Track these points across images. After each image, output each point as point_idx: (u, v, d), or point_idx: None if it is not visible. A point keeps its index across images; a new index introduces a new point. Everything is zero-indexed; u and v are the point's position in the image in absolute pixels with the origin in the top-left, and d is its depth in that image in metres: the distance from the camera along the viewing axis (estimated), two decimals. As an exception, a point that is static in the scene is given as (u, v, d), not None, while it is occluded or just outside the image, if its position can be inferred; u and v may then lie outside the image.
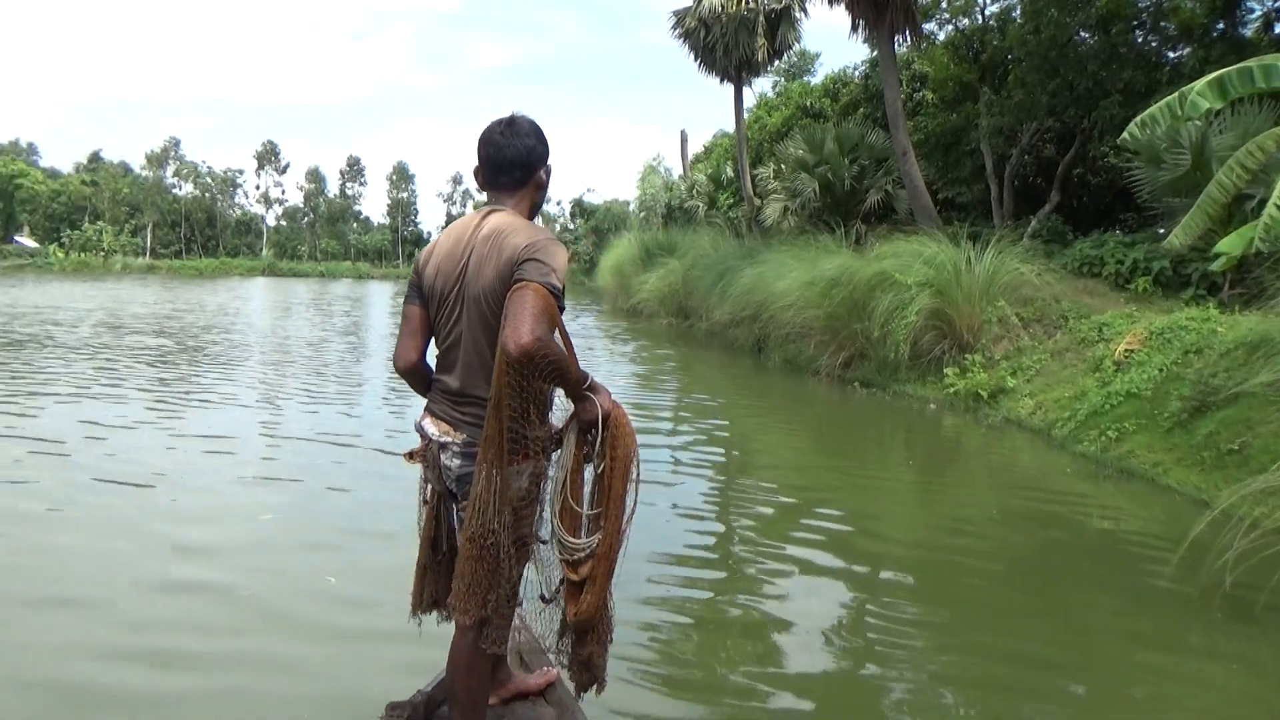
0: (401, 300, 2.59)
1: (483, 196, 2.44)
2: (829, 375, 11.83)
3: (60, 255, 62.20)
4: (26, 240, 67.32)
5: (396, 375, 2.48)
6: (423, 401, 2.51)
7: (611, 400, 2.34)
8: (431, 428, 2.38)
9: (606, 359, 15.35)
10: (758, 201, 22.75)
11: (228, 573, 4.54)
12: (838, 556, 5.19)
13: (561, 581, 2.39)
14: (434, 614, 2.67)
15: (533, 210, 2.40)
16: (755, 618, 4.29)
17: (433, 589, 2.61)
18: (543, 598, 2.48)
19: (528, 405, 2.14)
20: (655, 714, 3.33)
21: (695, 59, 24.36)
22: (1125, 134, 7.21)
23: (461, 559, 2.24)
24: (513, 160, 2.33)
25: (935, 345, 10.41)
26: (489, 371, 2.19)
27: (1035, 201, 16.11)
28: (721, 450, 8.53)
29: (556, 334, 2.17)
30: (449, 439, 2.32)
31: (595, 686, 2.45)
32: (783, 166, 20.93)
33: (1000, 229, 13.69)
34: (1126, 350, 8.34)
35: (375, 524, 5.36)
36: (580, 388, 2.26)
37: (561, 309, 2.17)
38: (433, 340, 2.42)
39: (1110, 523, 6.07)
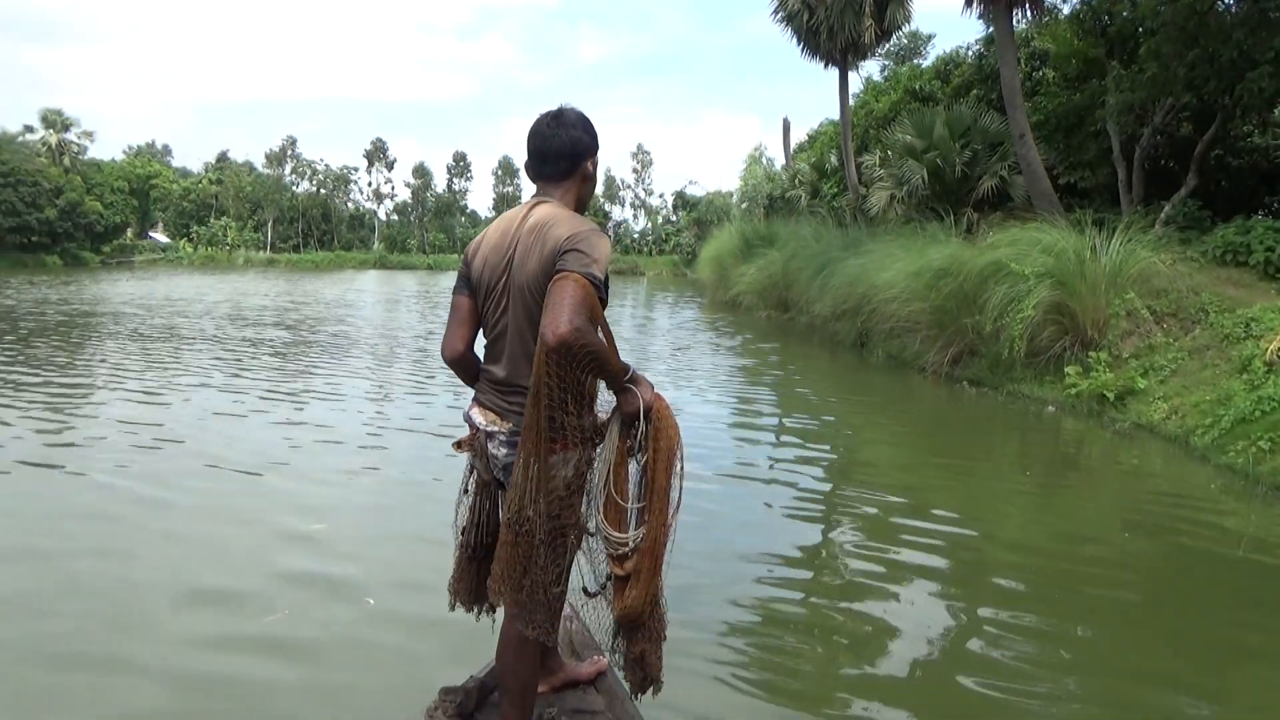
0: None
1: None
2: (935, 373, 11.09)
3: (189, 250, 65.91)
4: (160, 236, 71.41)
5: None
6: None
7: (654, 392, 2.31)
8: (479, 417, 2.40)
9: (707, 352, 14.91)
10: (862, 190, 21.84)
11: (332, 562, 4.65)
12: (946, 561, 4.92)
13: (609, 576, 2.38)
14: (474, 609, 2.69)
15: (580, 203, 2.41)
16: (856, 623, 4.06)
17: (470, 581, 2.63)
18: (585, 590, 2.47)
19: (567, 395, 2.12)
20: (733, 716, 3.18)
21: (798, 43, 23.50)
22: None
23: (500, 544, 2.27)
24: (558, 151, 2.34)
25: (1055, 342, 9.58)
26: (533, 360, 2.17)
27: (1167, 186, 14.82)
28: (823, 448, 8.08)
29: (599, 326, 2.13)
30: (496, 428, 2.35)
31: (652, 688, 2.40)
32: (889, 153, 20.01)
33: (1129, 215, 12.63)
34: (1280, 349, 7.42)
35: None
36: (621, 379, 2.24)
37: (604, 301, 2.15)
38: (480, 331, 2.45)
39: (1263, 550, 5.29)
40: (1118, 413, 8.46)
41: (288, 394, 9.66)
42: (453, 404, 9.04)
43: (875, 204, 19.38)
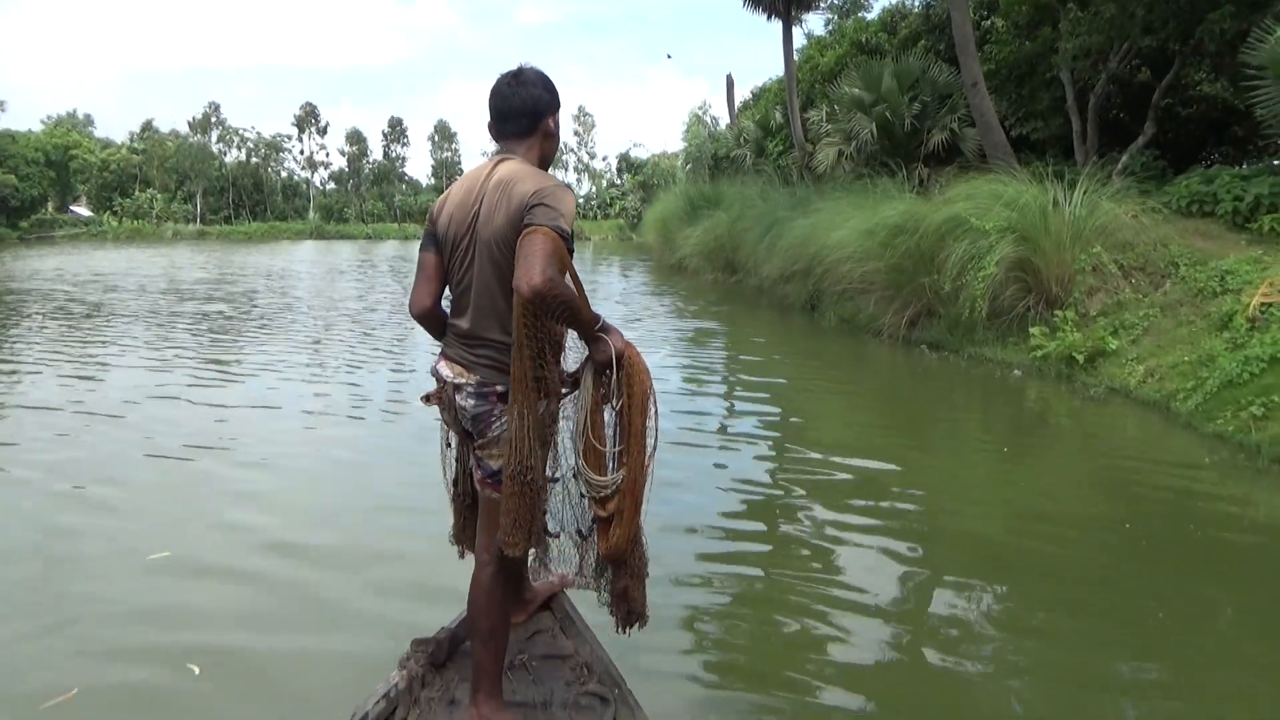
0: None
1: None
2: (892, 336, 10.46)
3: (114, 223, 63.14)
4: (82, 210, 68.29)
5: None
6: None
7: (624, 340, 2.36)
8: (446, 370, 2.43)
9: (648, 318, 14.12)
10: (809, 147, 21.12)
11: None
12: (901, 536, 4.63)
13: (594, 519, 2.46)
14: (466, 550, 2.75)
15: (544, 159, 2.45)
16: (809, 598, 3.86)
17: (457, 524, 2.74)
18: (579, 533, 2.58)
19: (543, 346, 2.19)
20: (697, 701, 3.06)
21: (740, -6, 22.63)
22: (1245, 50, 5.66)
23: (506, 496, 2.26)
24: (518, 109, 2.39)
25: (1018, 301, 8.98)
26: (500, 314, 2.28)
27: (1119, 137, 14.37)
28: (774, 418, 7.54)
29: (568, 276, 2.17)
30: (463, 380, 2.38)
31: (638, 622, 2.49)
32: (836, 108, 19.28)
33: (1085, 167, 12.11)
34: (1263, 304, 6.87)
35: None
36: (593, 328, 2.29)
37: (571, 251, 2.20)
38: (447, 286, 2.48)
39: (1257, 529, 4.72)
40: (1088, 376, 7.88)
41: (238, 371, 9.27)
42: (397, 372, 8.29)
43: (823, 161, 18.65)
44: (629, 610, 2.46)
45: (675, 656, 3.33)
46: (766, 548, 4.58)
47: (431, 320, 2.51)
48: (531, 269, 2.03)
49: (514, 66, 2.44)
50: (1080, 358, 7.96)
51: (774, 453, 6.42)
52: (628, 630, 2.50)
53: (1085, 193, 9.13)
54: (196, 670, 3.10)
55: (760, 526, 4.92)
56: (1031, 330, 8.64)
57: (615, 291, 19.78)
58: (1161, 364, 7.31)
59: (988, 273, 8.64)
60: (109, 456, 5.88)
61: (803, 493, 5.44)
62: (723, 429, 7.07)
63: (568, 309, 2.13)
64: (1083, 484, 5.74)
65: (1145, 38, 12.16)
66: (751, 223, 17.21)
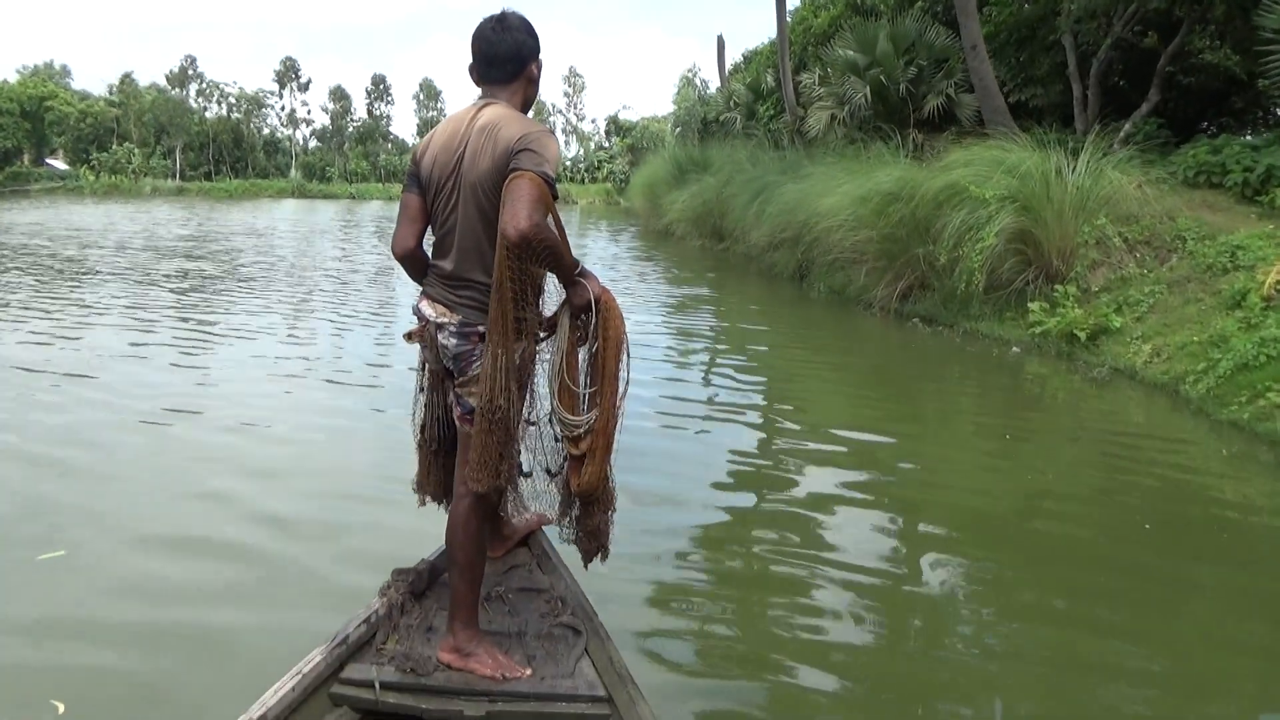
0: None
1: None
2: (884, 308, 10.03)
3: (91, 178, 61.66)
4: (58, 163, 66.73)
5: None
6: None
7: (601, 285, 2.43)
8: (428, 309, 2.45)
9: (634, 284, 13.63)
10: (800, 111, 20.53)
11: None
12: (889, 510, 4.57)
13: (566, 457, 2.53)
14: (443, 503, 2.80)
15: (526, 104, 2.48)
16: (790, 570, 3.76)
17: (438, 475, 2.77)
18: (549, 471, 2.63)
19: (525, 288, 2.23)
20: (682, 683, 2.98)
21: (733, -50, 21.85)
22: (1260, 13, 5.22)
23: (475, 434, 2.30)
24: (504, 55, 2.41)
25: (1017, 275, 8.56)
26: (483, 256, 2.32)
27: (1119, 105, 13.90)
28: (760, 391, 7.26)
29: (551, 221, 2.21)
30: (445, 319, 2.40)
31: (601, 555, 2.61)
32: (829, 71, 18.66)
33: (1087, 135, 11.66)
34: (1279, 283, 6.47)
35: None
36: (573, 273, 2.36)
37: (555, 197, 2.22)
38: (429, 228, 2.51)
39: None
40: (1091, 355, 7.49)
41: (219, 331, 8.96)
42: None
43: (814, 125, 18.07)
44: (598, 545, 2.57)
45: (658, 636, 3.27)
46: (749, 520, 4.42)
47: (414, 261, 2.54)
48: (518, 213, 2.08)
49: (497, 10, 2.45)
50: (1082, 335, 7.57)
51: (760, 426, 6.17)
52: (590, 563, 2.63)
53: (1089, 161, 8.66)
54: (60, 708, 2.65)
55: (744, 500, 4.72)
56: (1030, 305, 8.23)
57: (605, 257, 19.27)
58: (1169, 344, 6.92)
59: (986, 244, 8.21)
60: (81, 421, 5.57)
61: (789, 466, 5.23)
62: (709, 400, 6.80)
63: (551, 253, 2.19)
64: (1084, 466, 5.41)
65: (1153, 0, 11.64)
66: (740, 188, 16.71)
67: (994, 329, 8.61)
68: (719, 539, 4.17)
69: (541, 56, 2.50)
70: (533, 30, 2.44)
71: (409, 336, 2.58)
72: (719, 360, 8.48)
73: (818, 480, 4.92)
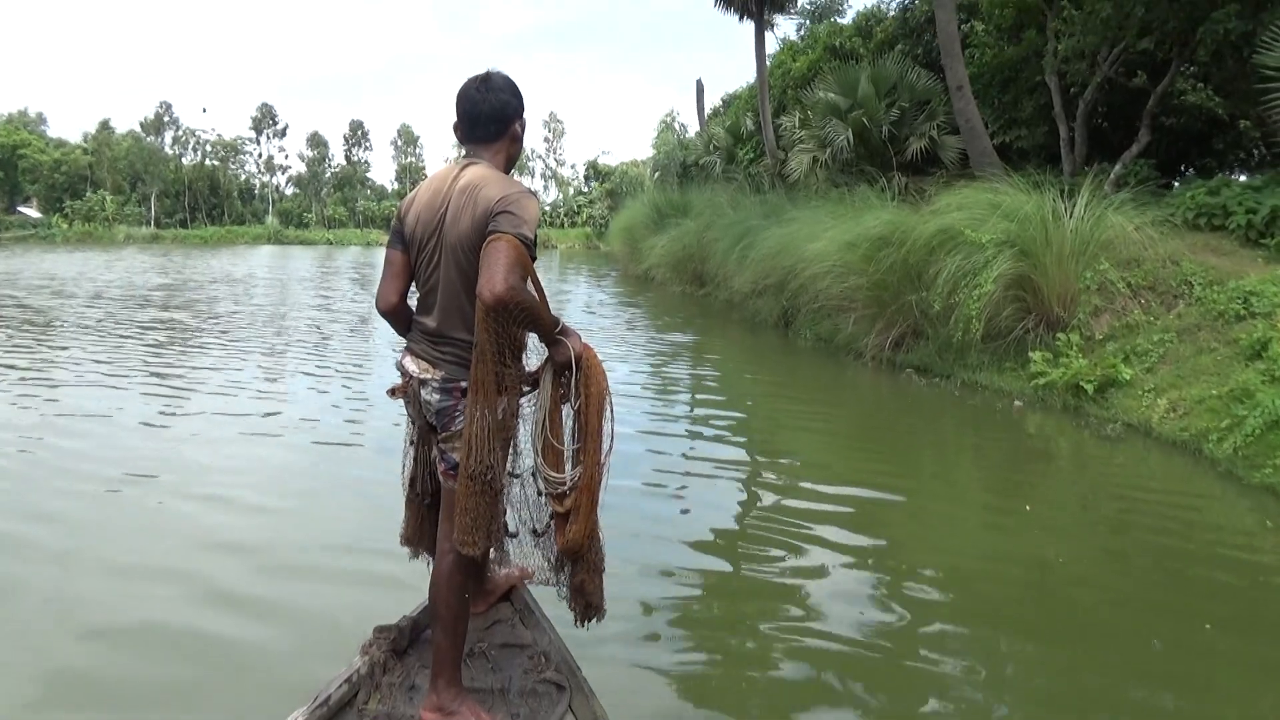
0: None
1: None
2: (875, 358, 9.55)
3: (64, 225, 60.92)
4: (32, 211, 65.95)
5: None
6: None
7: (582, 342, 2.48)
8: (412, 365, 2.49)
9: (622, 331, 13.10)
10: (781, 154, 20.29)
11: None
12: (880, 573, 4.25)
13: (551, 516, 2.55)
14: (408, 550, 2.82)
15: (509, 162, 2.52)
16: (784, 647, 3.47)
17: (430, 528, 2.72)
18: (535, 531, 2.65)
19: (504, 349, 2.25)
20: (654, 691, 3.06)
21: (711, -6, 21.78)
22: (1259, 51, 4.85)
23: (462, 495, 2.31)
24: (488, 114, 2.45)
25: (1017, 322, 8.10)
26: (464, 314, 2.35)
27: (1106, 146, 13.67)
28: (745, 447, 6.78)
29: (530, 283, 2.25)
30: (428, 375, 2.43)
31: (595, 615, 2.57)
32: (810, 114, 18.44)
33: (1075, 176, 11.36)
34: (1304, 331, 6.03)
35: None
36: (553, 332, 2.40)
37: (533, 258, 2.27)
38: (413, 284, 2.54)
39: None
40: (1100, 409, 7.01)
41: (192, 385, 8.36)
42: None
43: (796, 168, 17.78)
44: (587, 604, 2.55)
45: (633, 649, 3.36)
46: (732, 584, 4.15)
47: (397, 316, 2.58)
48: (494, 277, 2.10)
49: (482, 71, 2.49)
50: (1089, 387, 7.09)
51: (747, 481, 5.85)
52: (586, 624, 2.60)
53: (1092, 202, 8.27)
54: None
55: (724, 563, 4.37)
56: (1032, 355, 7.76)
57: (589, 303, 18.79)
58: (1185, 397, 6.45)
59: (985, 290, 7.76)
60: (29, 488, 5.16)
61: (775, 524, 4.83)
62: (691, 454, 6.35)
63: (529, 315, 2.22)
64: (1098, 529, 4.94)
65: (1142, 39, 11.41)
66: (721, 232, 16.32)
67: (994, 380, 8.12)
68: (704, 600, 3.97)
69: (525, 115, 2.54)
70: (517, 90, 2.49)
71: (393, 392, 2.66)
72: (702, 411, 7.94)
73: (808, 541, 4.58)
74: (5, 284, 20.34)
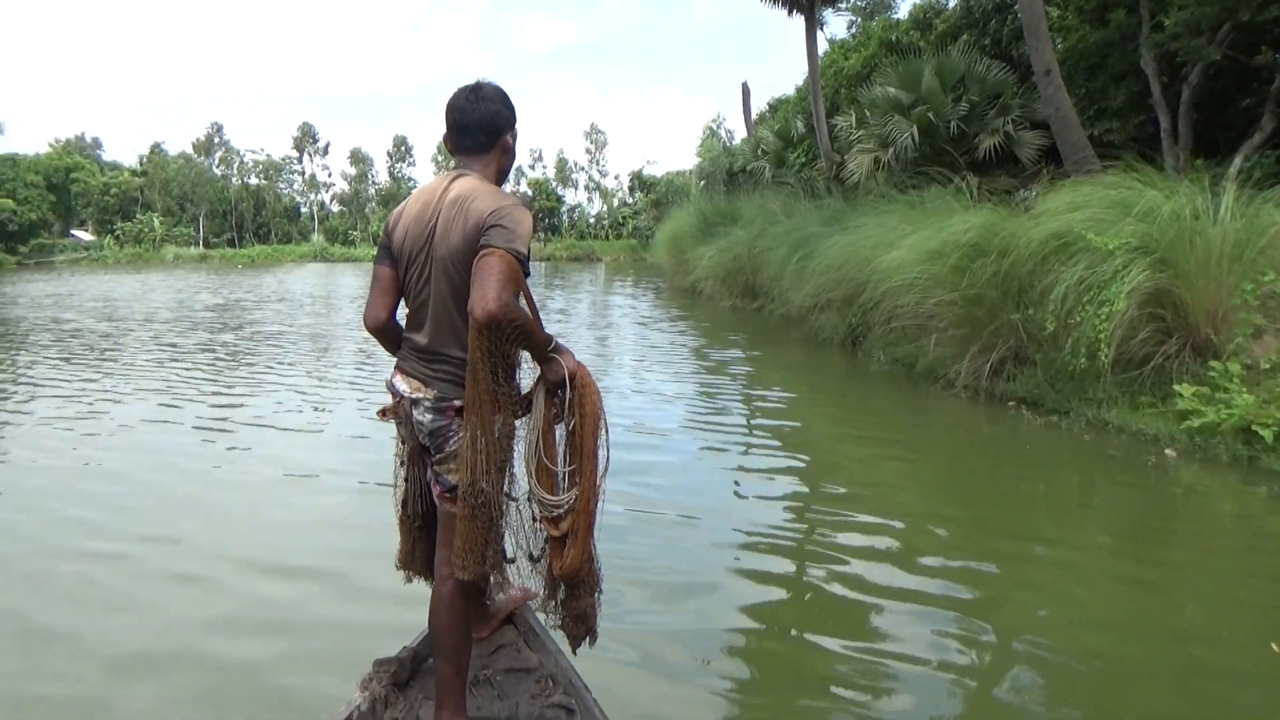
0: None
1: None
2: (968, 387, 8.08)
3: (114, 247, 61.83)
4: (84, 234, 67.12)
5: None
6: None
7: (576, 360, 2.38)
8: (403, 384, 2.41)
9: (655, 356, 11.74)
10: (837, 156, 18.84)
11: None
12: (992, 660, 3.46)
13: (546, 540, 2.43)
14: (402, 574, 2.71)
15: (500, 174, 2.46)
16: None
17: (424, 551, 2.64)
18: (531, 556, 2.51)
19: (497, 366, 2.18)
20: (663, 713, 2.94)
21: (758, -11, 20.46)
22: None
23: (458, 519, 2.25)
24: (478, 124, 2.38)
25: (1156, 347, 6.60)
26: (458, 331, 2.28)
27: (1205, 138, 12.01)
28: (802, 495, 5.69)
29: (523, 298, 2.20)
30: (420, 395, 2.35)
31: (590, 638, 2.51)
32: (868, 112, 17.01)
33: (1179, 171, 9.81)
34: None
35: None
36: (546, 350, 2.31)
37: (526, 274, 2.20)
38: (403, 300, 2.45)
39: None
40: (1282, 461, 5.50)
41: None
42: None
43: (855, 170, 16.36)
44: (586, 628, 2.48)
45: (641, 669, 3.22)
46: (801, 650, 3.64)
47: (386, 334, 2.50)
48: (487, 294, 2.04)
49: (472, 81, 2.44)
50: (1268, 435, 5.57)
51: (807, 534, 4.92)
52: (576, 649, 2.55)
53: (1241, 199, 6.75)
54: None
55: (784, 653, 3.67)
56: (1178, 389, 6.26)
57: (634, 318, 17.67)
58: None
59: (1117, 307, 6.28)
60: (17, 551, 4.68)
61: (853, 596, 4.07)
62: (739, 496, 5.56)
63: (521, 332, 2.16)
64: (1261, 612, 3.62)
65: (1269, 7, 9.81)
66: (775, 241, 14.95)
67: (1127, 419, 6.60)
68: (729, 634, 3.68)
69: (518, 126, 2.46)
70: (508, 100, 2.43)
71: (383, 414, 2.53)
72: (752, 452, 6.63)
73: (892, 604, 3.94)
74: (60, 306, 19.91)
